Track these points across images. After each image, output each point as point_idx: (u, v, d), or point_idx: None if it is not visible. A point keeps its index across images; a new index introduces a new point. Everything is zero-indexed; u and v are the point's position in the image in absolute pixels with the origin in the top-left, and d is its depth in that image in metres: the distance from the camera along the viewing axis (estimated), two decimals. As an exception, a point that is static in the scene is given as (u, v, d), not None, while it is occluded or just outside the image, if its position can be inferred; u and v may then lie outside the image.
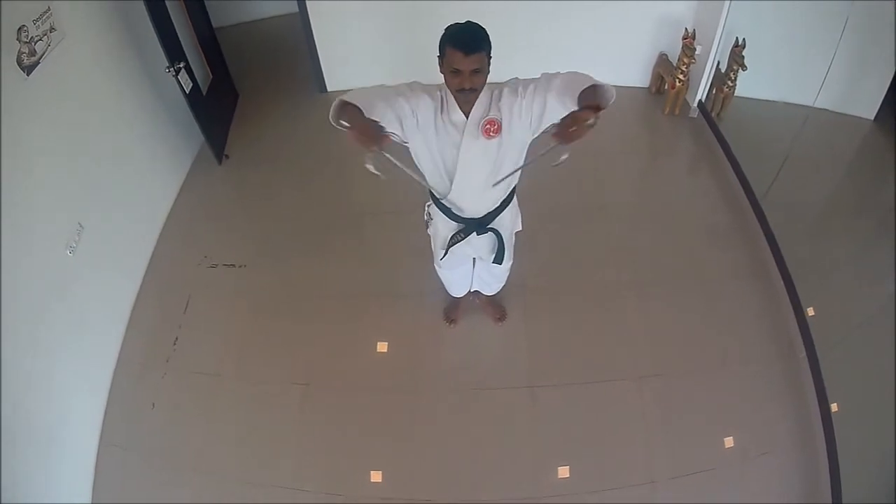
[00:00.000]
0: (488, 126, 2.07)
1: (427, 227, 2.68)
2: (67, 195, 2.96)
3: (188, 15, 4.23)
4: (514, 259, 2.81)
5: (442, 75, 2.02)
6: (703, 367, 3.19)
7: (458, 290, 3.13)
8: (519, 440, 2.97)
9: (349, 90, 1.91)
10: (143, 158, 3.78)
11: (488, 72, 1.99)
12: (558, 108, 1.97)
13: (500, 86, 2.09)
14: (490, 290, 3.14)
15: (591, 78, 1.82)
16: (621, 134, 4.49)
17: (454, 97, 2.04)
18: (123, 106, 3.57)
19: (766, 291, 3.47)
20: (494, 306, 3.37)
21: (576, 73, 1.91)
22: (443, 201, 2.39)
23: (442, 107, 2.07)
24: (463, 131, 2.09)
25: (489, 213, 2.44)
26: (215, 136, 4.35)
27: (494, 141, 2.11)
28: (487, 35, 1.92)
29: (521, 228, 2.72)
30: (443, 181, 2.30)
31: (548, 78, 2.00)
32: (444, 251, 2.60)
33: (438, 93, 2.08)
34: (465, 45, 1.88)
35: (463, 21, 1.95)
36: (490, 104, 2.07)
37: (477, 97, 2.04)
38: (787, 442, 2.92)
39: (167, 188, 4.11)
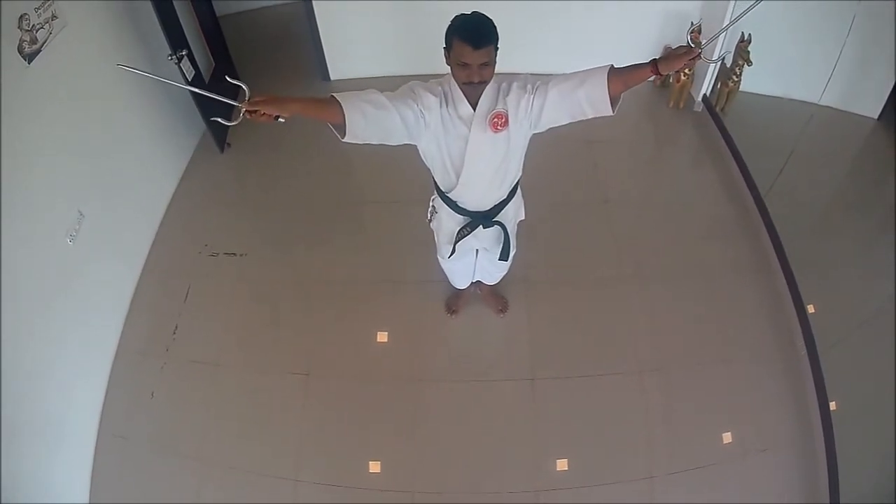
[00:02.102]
0: (496, 119, 2.04)
1: (430, 222, 2.67)
2: (68, 183, 2.95)
3: (191, 2, 4.20)
4: (516, 250, 2.79)
5: (448, 67, 2.00)
6: (704, 362, 3.19)
7: (461, 282, 3.13)
8: (519, 432, 2.98)
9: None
10: (145, 147, 3.77)
11: (495, 63, 1.97)
12: (556, 100, 1.99)
13: (508, 78, 2.07)
14: (492, 279, 3.13)
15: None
16: (626, 127, 4.46)
17: (461, 89, 2.02)
18: (125, 94, 3.55)
19: (768, 288, 3.47)
20: (496, 298, 3.37)
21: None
22: (449, 195, 2.38)
23: (447, 101, 2.06)
24: (470, 124, 2.07)
25: (494, 206, 2.43)
26: (217, 125, 4.32)
27: (502, 134, 2.09)
28: (495, 27, 1.90)
29: (524, 217, 2.71)
30: (449, 176, 2.28)
31: (559, 76, 1.99)
32: (450, 246, 2.59)
33: (440, 88, 2.06)
34: (474, 38, 1.86)
35: (469, 11, 1.93)
36: (498, 97, 2.05)
37: (484, 89, 2.02)
38: (786, 439, 2.93)
39: (168, 177, 4.10)
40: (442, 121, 2.07)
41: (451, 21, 1.92)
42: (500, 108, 2.04)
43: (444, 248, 2.70)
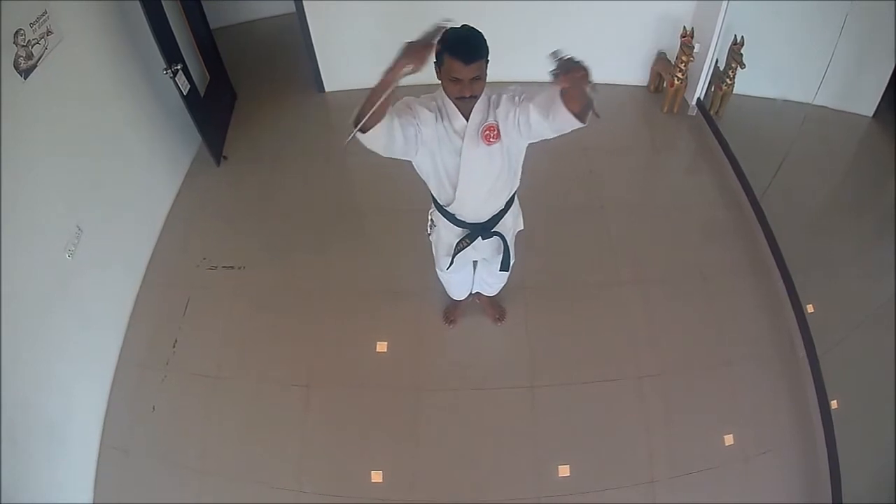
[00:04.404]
0: (488, 132, 2.06)
1: (429, 234, 2.68)
2: (66, 198, 2.95)
3: (185, 16, 4.21)
4: (514, 258, 2.80)
5: (440, 81, 2.01)
6: (703, 365, 3.19)
7: (459, 293, 3.13)
8: (519, 440, 2.98)
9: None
10: (141, 161, 3.77)
11: (486, 77, 1.97)
12: (539, 119, 1.97)
13: (498, 90, 2.09)
14: (491, 290, 3.14)
15: None
16: (620, 132, 4.49)
17: (454, 103, 2.03)
18: (121, 109, 3.56)
19: (766, 289, 3.47)
20: (494, 307, 3.37)
21: None
22: (447, 208, 2.39)
23: (441, 115, 2.07)
24: (464, 137, 2.08)
25: (492, 217, 2.43)
26: (213, 138, 4.34)
27: (495, 146, 2.10)
28: (485, 41, 1.91)
29: (522, 228, 2.72)
30: (446, 189, 2.29)
31: (539, 97, 1.97)
32: (448, 258, 2.59)
33: (433, 102, 2.07)
34: (465, 54, 1.87)
35: (460, 26, 1.93)
36: (488, 109, 2.07)
37: (476, 102, 2.03)
38: (787, 440, 2.93)
39: (165, 190, 4.10)
40: (437, 135, 2.09)
41: (441, 36, 1.91)
42: (490, 120, 2.06)
43: (442, 261, 2.70)
